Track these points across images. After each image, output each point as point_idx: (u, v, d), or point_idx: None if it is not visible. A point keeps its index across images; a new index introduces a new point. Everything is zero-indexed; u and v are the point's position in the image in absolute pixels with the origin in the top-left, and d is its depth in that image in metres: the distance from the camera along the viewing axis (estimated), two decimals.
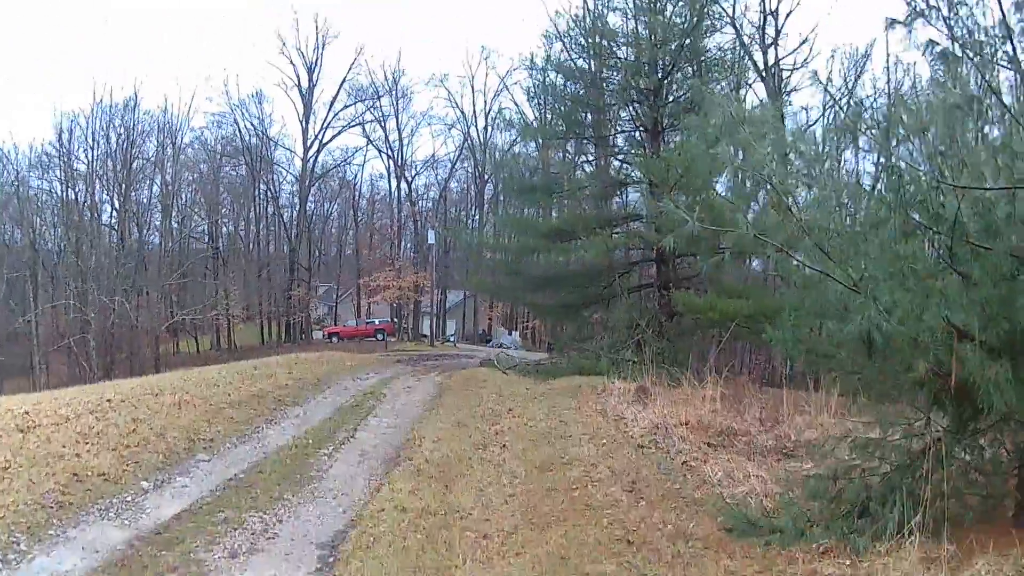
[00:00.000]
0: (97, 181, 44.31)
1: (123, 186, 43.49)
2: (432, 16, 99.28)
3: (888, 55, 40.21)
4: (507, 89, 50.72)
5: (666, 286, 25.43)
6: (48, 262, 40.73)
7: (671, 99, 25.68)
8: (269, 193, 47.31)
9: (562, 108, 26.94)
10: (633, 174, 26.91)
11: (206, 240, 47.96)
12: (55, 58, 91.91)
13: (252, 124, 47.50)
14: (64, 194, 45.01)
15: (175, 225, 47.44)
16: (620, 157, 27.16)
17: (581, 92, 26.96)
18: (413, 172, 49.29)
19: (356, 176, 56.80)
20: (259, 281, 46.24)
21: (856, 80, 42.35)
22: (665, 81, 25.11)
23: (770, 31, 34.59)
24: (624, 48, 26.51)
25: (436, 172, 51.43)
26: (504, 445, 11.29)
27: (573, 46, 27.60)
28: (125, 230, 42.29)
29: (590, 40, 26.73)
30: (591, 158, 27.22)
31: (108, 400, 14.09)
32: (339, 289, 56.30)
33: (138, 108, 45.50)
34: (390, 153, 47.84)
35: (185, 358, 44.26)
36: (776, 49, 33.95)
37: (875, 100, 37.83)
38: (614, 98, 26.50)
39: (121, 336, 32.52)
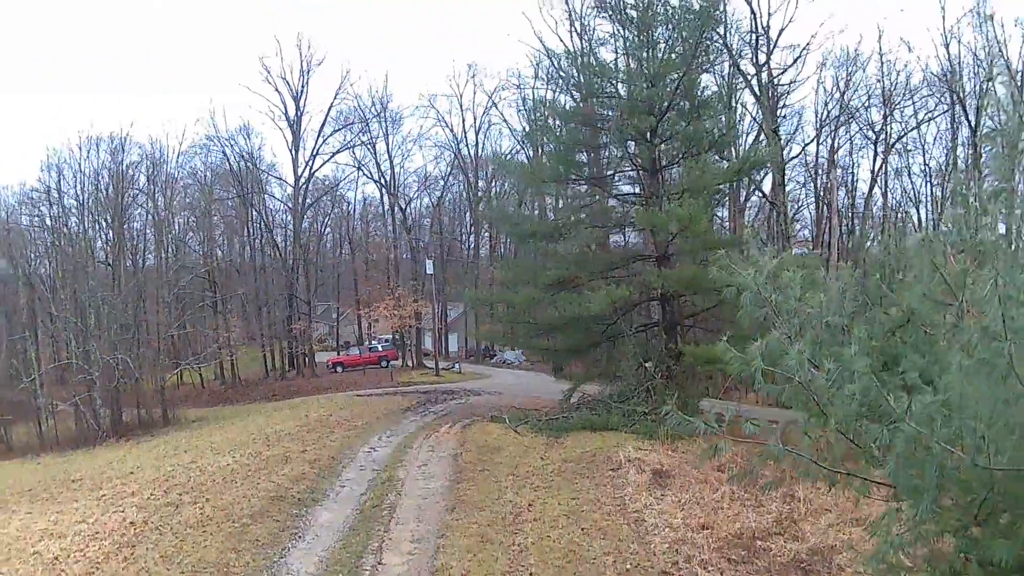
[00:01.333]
0: (88, 214, 44.68)
1: (115, 219, 43.76)
2: (417, 35, 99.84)
3: (881, 58, 40.59)
4: (495, 106, 50.78)
5: (672, 326, 25.83)
6: (43, 297, 40.83)
7: (669, 136, 25.82)
8: (263, 222, 47.45)
9: (558, 150, 27.07)
10: (633, 211, 27.15)
11: (202, 271, 48.13)
12: (39, 99, 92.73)
13: (242, 156, 47.70)
14: (55, 226, 45.65)
15: (170, 253, 47.83)
16: (618, 196, 27.30)
17: (576, 132, 27.10)
18: (406, 199, 49.69)
19: (351, 188, 57.28)
20: (258, 313, 46.46)
21: (848, 82, 42.61)
22: (661, 120, 25.20)
23: (764, 40, 34.67)
24: (618, 85, 26.69)
25: (427, 189, 51.75)
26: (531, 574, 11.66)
27: (566, 85, 27.76)
28: (120, 262, 42.58)
29: (584, 78, 26.87)
30: (588, 201, 27.34)
31: (131, 523, 14.44)
32: (339, 309, 56.60)
33: (128, 141, 45.68)
34: (383, 183, 48.09)
35: (190, 392, 44.61)
36: (769, 68, 34.03)
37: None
38: (610, 138, 26.68)
39: (126, 390, 32.86)
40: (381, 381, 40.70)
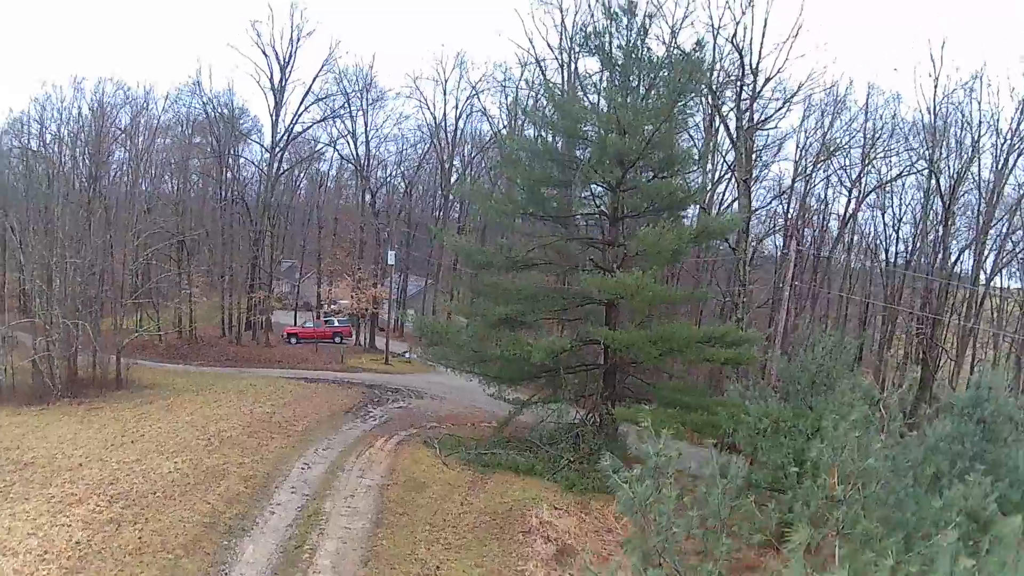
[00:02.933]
0: (66, 148, 45.48)
1: (93, 154, 44.69)
2: (406, 22, 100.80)
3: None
4: (478, 97, 51.47)
5: (612, 373, 27.66)
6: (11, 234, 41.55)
7: (634, 186, 27.10)
8: (236, 184, 48.21)
9: (525, 185, 28.22)
10: (590, 256, 28.66)
11: (171, 219, 49.00)
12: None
13: (222, 115, 48.16)
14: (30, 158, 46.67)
15: (144, 194, 48.82)
16: (579, 239, 28.64)
17: (546, 169, 28.19)
18: (378, 183, 50.65)
19: (325, 159, 58.06)
20: (221, 272, 47.50)
21: (832, 121, 44.26)
22: (628, 170, 26.51)
23: (748, 88, 35.86)
24: (593, 128, 27.81)
25: (401, 168, 52.85)
26: None
27: (542, 122, 28.83)
28: (95, 200, 43.38)
29: (559, 117, 27.90)
30: (549, 238, 28.71)
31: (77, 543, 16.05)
32: (303, 270, 57.88)
33: (114, 82, 46.39)
34: (356, 166, 48.96)
35: (147, 341, 45.63)
36: (751, 114, 35.30)
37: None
38: (577, 178, 27.81)
39: (85, 354, 34.13)
40: (331, 362, 42.41)
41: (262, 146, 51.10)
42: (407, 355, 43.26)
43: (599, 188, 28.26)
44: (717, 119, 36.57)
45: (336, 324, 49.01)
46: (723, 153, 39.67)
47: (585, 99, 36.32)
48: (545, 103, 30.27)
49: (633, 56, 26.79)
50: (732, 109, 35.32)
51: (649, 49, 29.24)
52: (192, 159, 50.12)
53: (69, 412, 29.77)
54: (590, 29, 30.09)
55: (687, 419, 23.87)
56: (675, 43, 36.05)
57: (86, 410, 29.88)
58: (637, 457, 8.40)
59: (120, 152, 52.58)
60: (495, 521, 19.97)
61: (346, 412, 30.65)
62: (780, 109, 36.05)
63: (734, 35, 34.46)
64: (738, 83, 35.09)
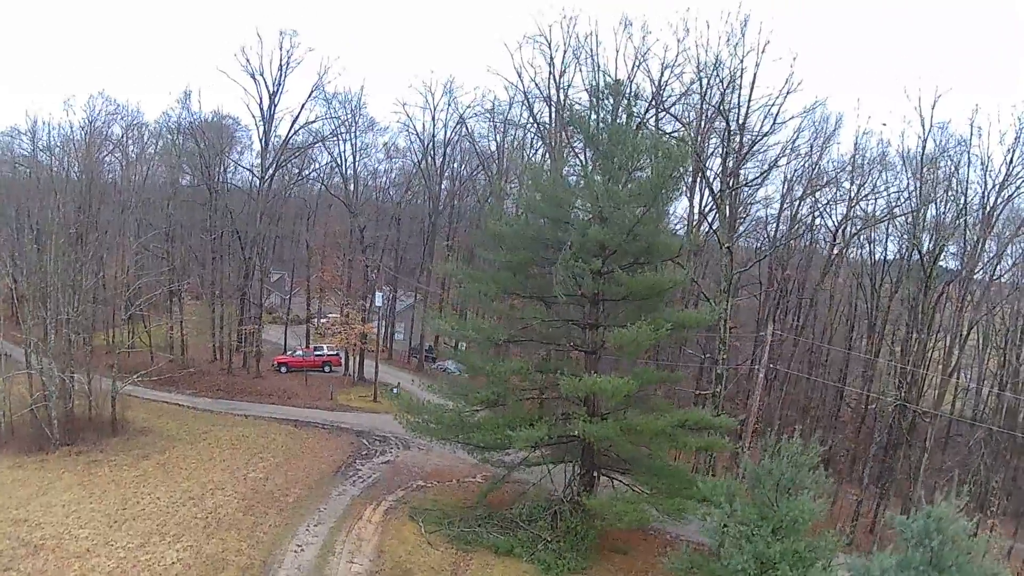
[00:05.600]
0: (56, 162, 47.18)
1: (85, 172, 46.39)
2: (393, 51, 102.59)
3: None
4: (465, 125, 53.09)
5: (590, 448, 29.86)
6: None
7: (612, 271, 28.89)
8: (228, 215, 49.80)
9: (508, 266, 30.05)
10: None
11: (166, 245, 50.83)
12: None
13: (211, 139, 49.74)
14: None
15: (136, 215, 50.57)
16: (560, 321, 30.47)
17: (529, 250, 29.95)
18: (367, 218, 52.50)
19: (317, 166, 59.78)
20: (211, 298, 49.51)
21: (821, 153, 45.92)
22: (608, 260, 28.37)
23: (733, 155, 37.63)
24: (577, 211, 29.61)
25: (392, 196, 54.76)
26: None
27: (526, 206, 30.62)
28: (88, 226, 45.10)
29: (543, 201, 29.62)
30: (531, 317, 30.50)
31: None
32: (292, 284, 59.92)
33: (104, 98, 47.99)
34: (345, 202, 50.88)
35: (140, 362, 47.48)
36: (736, 179, 37.13)
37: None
38: (559, 267, 29.52)
39: (81, 402, 36.27)
40: (320, 398, 44.80)
41: (251, 171, 52.74)
42: (395, 390, 45.49)
43: (580, 273, 29.91)
44: (702, 184, 38.41)
45: (325, 352, 51.23)
46: (704, 213, 41.59)
47: (572, 162, 38.38)
48: (529, 181, 31.94)
49: (617, 137, 28.20)
50: (717, 175, 37.15)
51: (635, 129, 31.26)
52: (182, 176, 51.84)
53: (69, 467, 32.00)
54: (578, 108, 31.96)
55: (660, 505, 26.41)
56: (659, 115, 38.01)
57: (85, 465, 32.11)
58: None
59: (111, 162, 54.19)
60: None
61: (335, 472, 32.99)
62: (764, 174, 37.85)
63: (720, 102, 36.10)
64: (724, 148, 36.83)
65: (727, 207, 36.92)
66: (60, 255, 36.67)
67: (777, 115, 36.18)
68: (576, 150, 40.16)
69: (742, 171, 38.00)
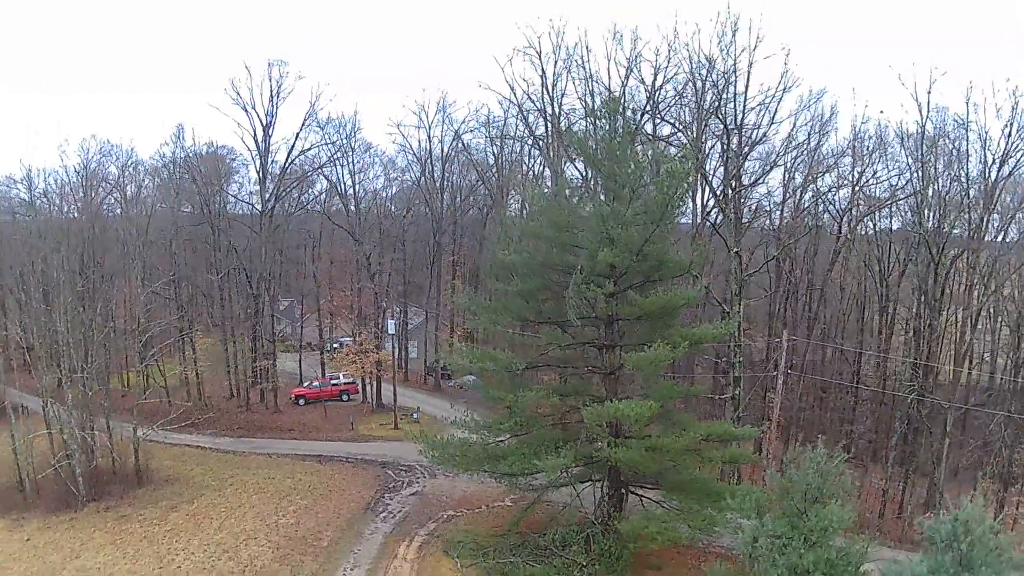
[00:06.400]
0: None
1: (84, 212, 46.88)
2: (384, 73, 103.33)
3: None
4: (460, 140, 53.43)
5: (616, 468, 30.20)
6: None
7: (625, 290, 29.17)
8: (232, 249, 50.18)
9: (520, 294, 30.36)
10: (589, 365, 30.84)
11: (172, 286, 51.21)
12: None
13: (208, 172, 50.12)
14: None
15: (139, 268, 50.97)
16: (577, 344, 30.74)
17: (540, 277, 30.21)
18: (371, 243, 52.94)
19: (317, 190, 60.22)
20: (223, 336, 50.00)
21: (819, 141, 46.10)
22: (619, 281, 28.63)
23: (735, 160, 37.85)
24: (584, 234, 29.81)
25: (394, 213, 55.09)
26: None
27: (532, 235, 30.83)
28: (92, 281, 45.55)
29: (550, 226, 29.85)
30: (546, 344, 30.79)
31: None
32: (303, 309, 60.32)
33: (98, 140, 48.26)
34: (349, 231, 51.22)
35: (157, 407, 47.84)
36: (738, 180, 37.37)
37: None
38: (571, 291, 29.78)
39: (104, 455, 36.69)
40: (341, 429, 45.18)
41: (251, 204, 53.08)
42: (415, 415, 45.91)
43: (593, 296, 30.11)
44: (702, 183, 38.62)
45: (342, 381, 51.69)
46: (707, 212, 41.81)
47: (572, 175, 38.56)
48: (534, 208, 32.17)
49: (618, 156, 28.40)
50: (717, 177, 37.40)
51: (635, 149, 31.45)
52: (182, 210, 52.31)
53: (99, 525, 32.35)
54: (576, 128, 32.13)
55: (690, 521, 26.79)
56: (655, 120, 38.20)
57: (115, 522, 32.47)
58: None
59: (111, 203, 54.67)
60: None
61: (365, 509, 33.35)
62: (766, 173, 38.08)
63: (716, 104, 36.31)
64: (724, 149, 37.06)
65: (732, 212, 37.14)
66: (68, 312, 37.10)
67: (775, 113, 36.63)
68: (574, 161, 40.46)
69: (743, 171, 38.25)
